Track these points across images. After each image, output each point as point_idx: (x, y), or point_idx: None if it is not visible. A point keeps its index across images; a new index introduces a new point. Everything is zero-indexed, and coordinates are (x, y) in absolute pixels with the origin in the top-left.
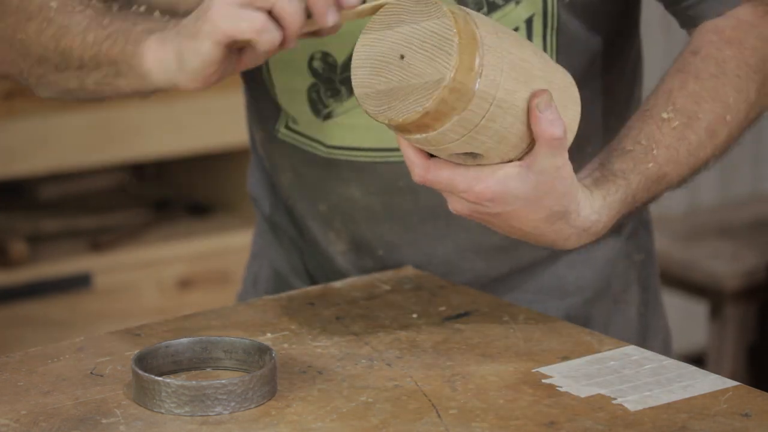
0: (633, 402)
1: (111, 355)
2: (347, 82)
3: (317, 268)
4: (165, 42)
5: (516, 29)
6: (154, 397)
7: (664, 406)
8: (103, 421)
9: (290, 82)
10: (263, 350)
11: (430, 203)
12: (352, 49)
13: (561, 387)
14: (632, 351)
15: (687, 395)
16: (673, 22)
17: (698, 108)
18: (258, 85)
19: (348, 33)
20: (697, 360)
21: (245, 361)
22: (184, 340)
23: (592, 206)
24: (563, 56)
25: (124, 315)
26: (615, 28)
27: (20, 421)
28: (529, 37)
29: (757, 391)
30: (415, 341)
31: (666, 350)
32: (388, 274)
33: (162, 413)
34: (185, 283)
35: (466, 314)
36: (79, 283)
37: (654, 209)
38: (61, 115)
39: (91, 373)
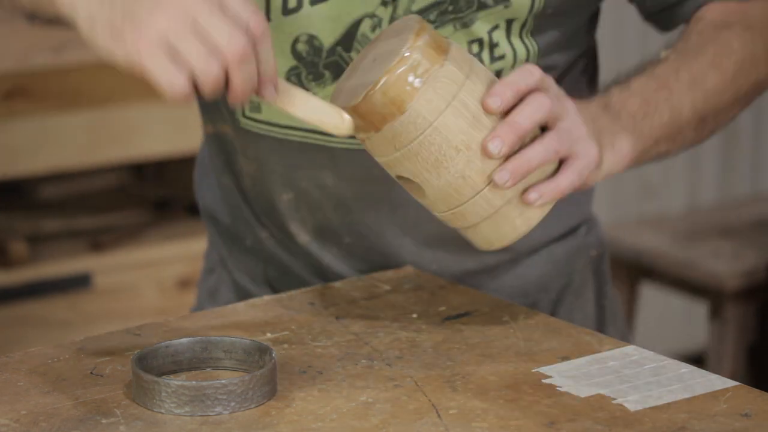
0: (633, 402)
1: (111, 355)
2: (332, 66)
3: (279, 277)
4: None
5: (496, 27)
6: (154, 397)
7: (664, 406)
8: (103, 421)
9: None
10: (263, 350)
11: (403, 193)
12: (339, 34)
13: (561, 387)
14: (632, 351)
15: (687, 395)
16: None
17: (699, 48)
18: None
19: (336, 17)
20: (697, 360)
21: (245, 361)
22: (184, 340)
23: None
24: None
25: (124, 315)
26: (585, 42)
27: (20, 421)
28: (508, 36)
29: (757, 391)
30: (415, 341)
31: (624, 337)
32: (388, 274)
33: (162, 413)
34: (185, 283)
35: (466, 314)
36: (79, 283)
37: (654, 209)
38: (61, 115)
39: (91, 373)
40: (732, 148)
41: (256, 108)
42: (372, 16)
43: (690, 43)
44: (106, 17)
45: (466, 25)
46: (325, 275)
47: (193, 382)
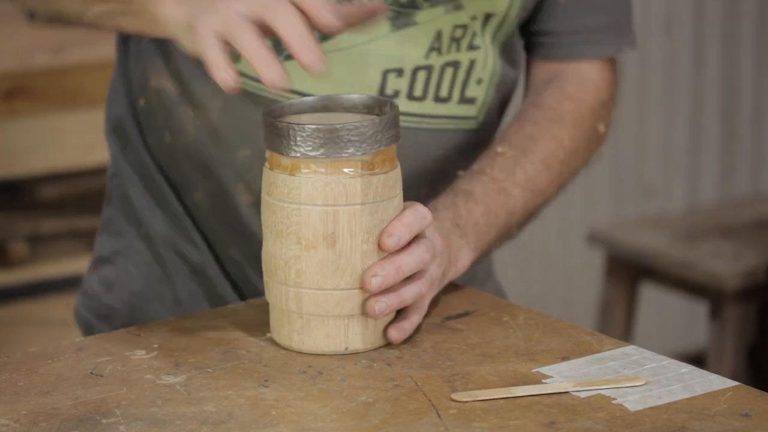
0: (633, 402)
1: (111, 355)
2: None
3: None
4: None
5: (475, 17)
6: (290, 141)
7: (664, 406)
8: (103, 421)
9: None
10: (383, 102)
11: None
12: None
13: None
14: (632, 351)
15: (687, 395)
16: (673, 23)
17: (533, 144)
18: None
19: None
20: (697, 360)
21: (368, 113)
22: (307, 98)
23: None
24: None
25: None
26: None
27: (20, 421)
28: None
29: (757, 391)
30: (415, 341)
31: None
32: None
33: (297, 157)
34: None
35: (466, 314)
36: (79, 283)
37: (654, 209)
38: (61, 115)
39: (91, 373)
40: (732, 148)
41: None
42: None
43: (524, 136)
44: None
45: (457, 8)
46: (257, 243)
47: (327, 125)
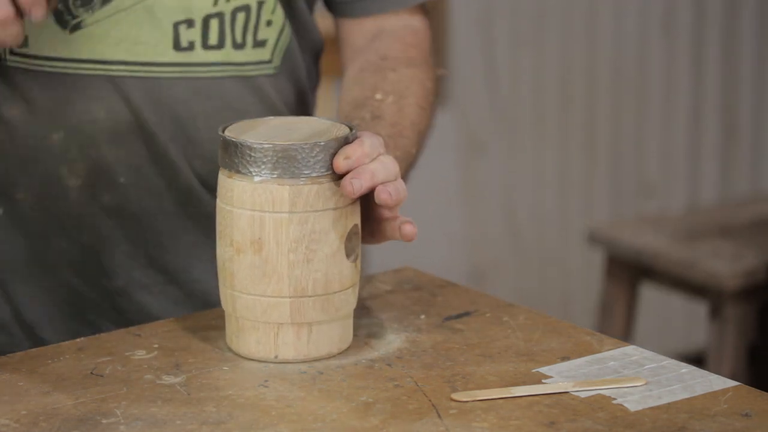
0: (633, 402)
1: (111, 355)
2: None
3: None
4: None
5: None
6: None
7: (664, 406)
8: (103, 421)
9: None
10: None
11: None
12: None
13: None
14: (632, 351)
15: (687, 395)
16: (673, 24)
17: (405, 89)
18: None
19: None
20: (697, 360)
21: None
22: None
23: None
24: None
25: None
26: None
27: (20, 421)
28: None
29: (757, 391)
30: (415, 341)
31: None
32: (389, 274)
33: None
34: None
35: (466, 314)
36: None
37: (654, 209)
38: None
39: (91, 373)
40: (732, 147)
41: (23, 43)
42: None
43: (392, 82)
44: None
45: None
46: (96, 230)
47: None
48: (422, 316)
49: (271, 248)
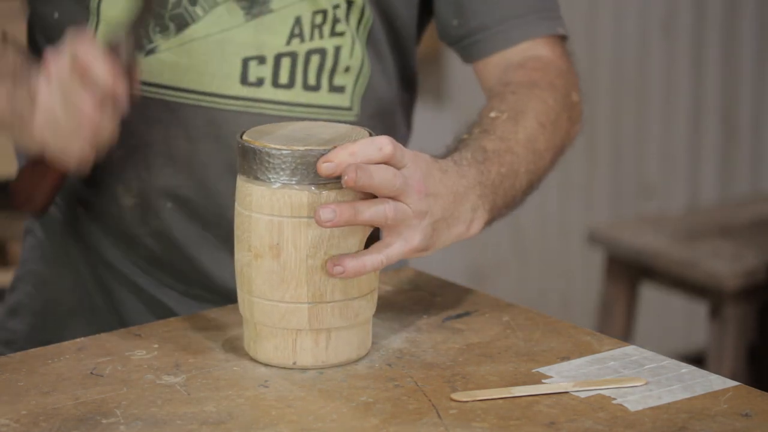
0: (633, 402)
1: (111, 355)
2: (176, 18)
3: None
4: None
5: (338, 6)
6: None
7: (664, 406)
8: (103, 421)
9: (117, 16)
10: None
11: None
12: None
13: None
14: (632, 351)
15: (687, 395)
16: (673, 25)
17: (523, 106)
18: (56, 33)
19: None
20: (697, 360)
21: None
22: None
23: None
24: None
25: None
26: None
27: (20, 421)
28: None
29: (757, 391)
30: (415, 341)
31: None
32: (389, 274)
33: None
34: None
35: (466, 314)
36: None
37: (654, 209)
38: None
39: (91, 373)
40: (732, 148)
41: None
42: None
43: (511, 102)
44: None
45: None
46: (149, 251)
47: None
48: (422, 316)
49: (290, 253)
